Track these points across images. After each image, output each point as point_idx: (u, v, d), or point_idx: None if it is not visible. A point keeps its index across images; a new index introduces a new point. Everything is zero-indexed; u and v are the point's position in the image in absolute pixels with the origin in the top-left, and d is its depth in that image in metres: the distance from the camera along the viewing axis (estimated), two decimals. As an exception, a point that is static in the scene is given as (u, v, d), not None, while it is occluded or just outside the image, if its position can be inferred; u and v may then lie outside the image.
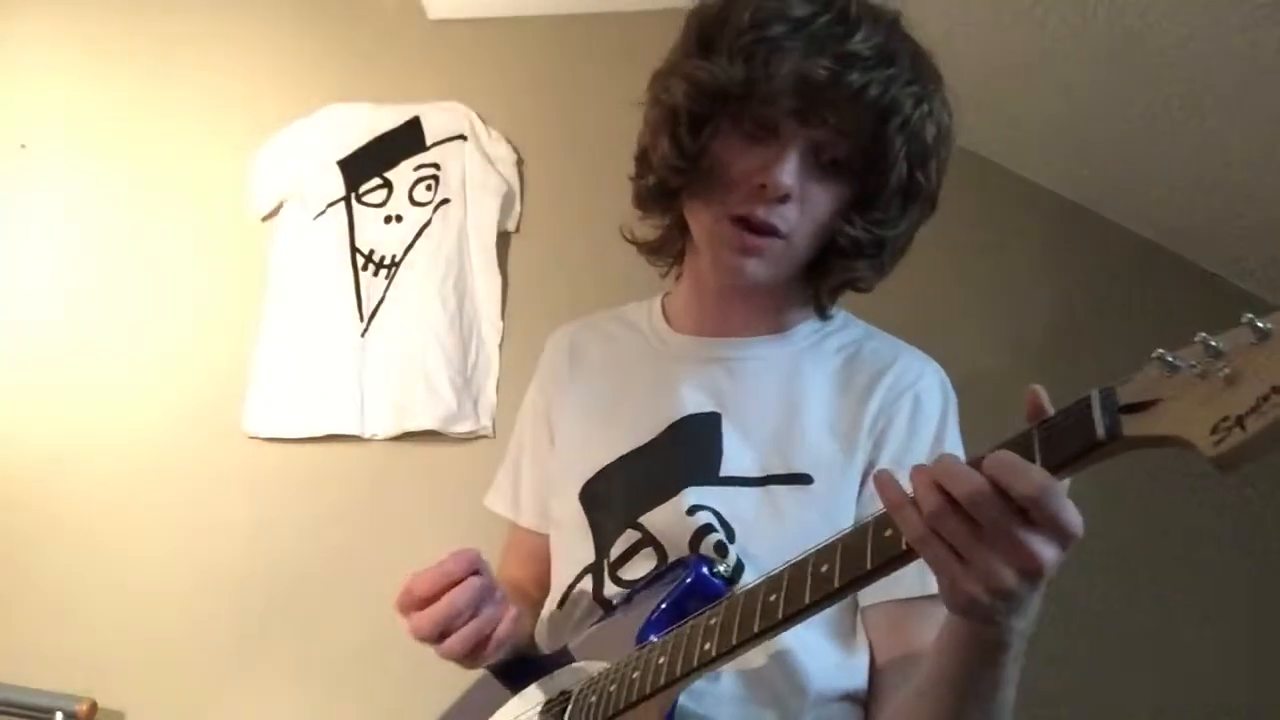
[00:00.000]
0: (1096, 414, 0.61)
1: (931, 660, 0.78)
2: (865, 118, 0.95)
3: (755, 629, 0.78)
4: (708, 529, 0.98)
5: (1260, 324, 0.55)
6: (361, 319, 2.23)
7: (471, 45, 2.39)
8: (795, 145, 0.97)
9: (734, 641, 0.80)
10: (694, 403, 1.07)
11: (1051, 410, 0.66)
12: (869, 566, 0.71)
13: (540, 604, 1.16)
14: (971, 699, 0.75)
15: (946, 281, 2.09)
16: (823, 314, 1.10)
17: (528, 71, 2.37)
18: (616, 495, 1.07)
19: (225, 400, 2.19)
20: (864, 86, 0.93)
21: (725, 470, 1.02)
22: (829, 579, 0.73)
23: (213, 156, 2.36)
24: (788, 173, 0.96)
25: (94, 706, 1.94)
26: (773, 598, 0.78)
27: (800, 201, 0.98)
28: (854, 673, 0.97)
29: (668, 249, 1.15)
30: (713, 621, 0.83)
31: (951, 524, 0.64)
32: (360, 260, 2.27)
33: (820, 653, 0.96)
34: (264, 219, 2.32)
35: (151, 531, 2.13)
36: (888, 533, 0.70)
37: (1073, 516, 0.62)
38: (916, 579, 0.91)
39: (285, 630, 2.07)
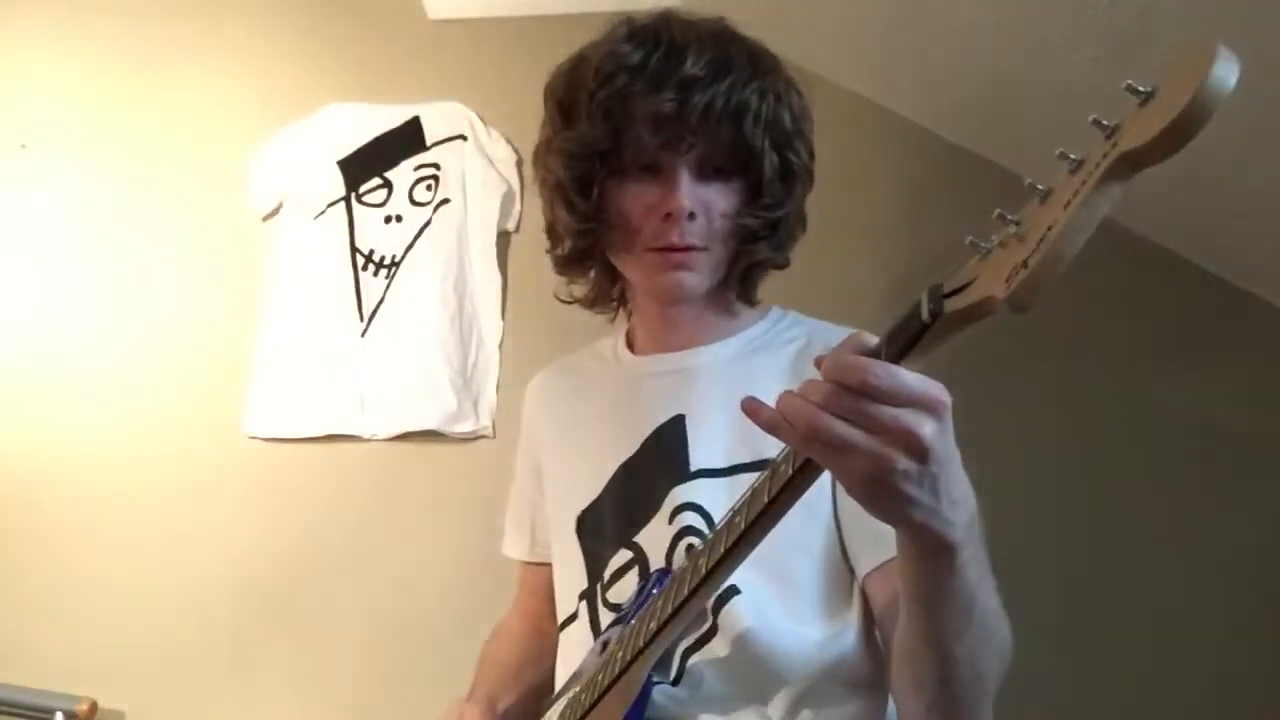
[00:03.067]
0: (924, 304, 0.67)
1: (901, 587, 0.80)
2: (723, 127, 1.05)
3: (687, 590, 0.84)
4: (685, 532, 1.02)
5: (1040, 186, 0.62)
6: (361, 319, 2.23)
7: (471, 45, 2.39)
8: (679, 170, 1.07)
9: (671, 609, 0.85)
10: (661, 412, 1.13)
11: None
12: (766, 499, 0.77)
13: (553, 635, 1.24)
14: (946, 610, 0.76)
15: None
16: (749, 300, 1.19)
17: (528, 71, 2.34)
18: (609, 519, 1.11)
19: (225, 400, 2.19)
20: (709, 103, 1.04)
21: (695, 464, 1.07)
22: (738, 525, 0.80)
23: (212, 156, 2.36)
24: (684, 195, 1.06)
25: (94, 706, 1.94)
26: (701, 561, 0.84)
27: (704, 213, 1.08)
28: (839, 654, 0.99)
29: (604, 297, 1.25)
30: (659, 603, 0.88)
31: (825, 425, 0.66)
32: (360, 260, 2.28)
33: (798, 635, 0.98)
34: (264, 219, 2.33)
35: (151, 531, 2.13)
36: (781, 468, 0.77)
37: (918, 384, 0.66)
38: None
39: (285, 630, 2.07)
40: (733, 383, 1.11)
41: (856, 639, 1.00)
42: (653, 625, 0.87)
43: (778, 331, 1.19)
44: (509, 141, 2.33)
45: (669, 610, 0.85)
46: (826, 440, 0.66)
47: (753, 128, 1.06)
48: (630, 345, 1.27)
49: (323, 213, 2.31)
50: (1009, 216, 0.63)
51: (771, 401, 1.05)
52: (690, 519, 1.04)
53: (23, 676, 1.96)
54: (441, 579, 2.07)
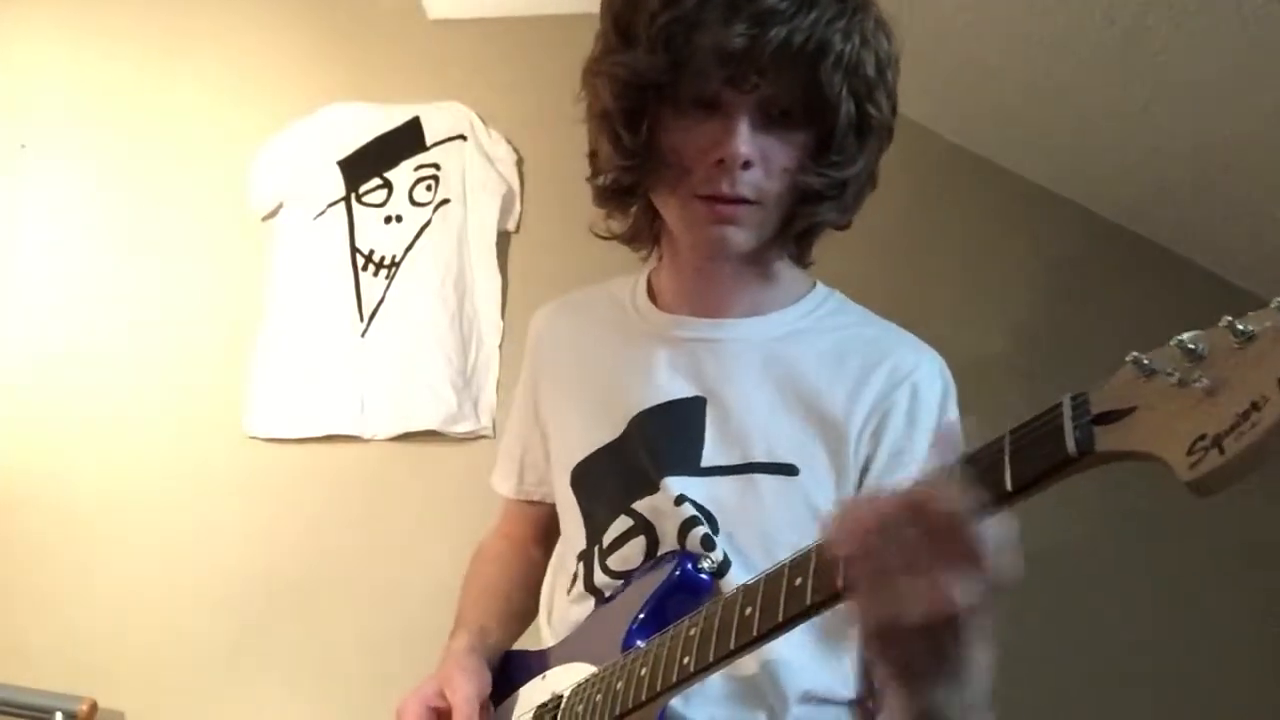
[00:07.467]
0: (1068, 426, 0.56)
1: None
2: (798, 68, 0.93)
3: (732, 645, 0.76)
4: (695, 520, 0.98)
5: (1241, 326, 0.50)
6: (361, 319, 2.23)
7: (471, 45, 2.40)
8: (741, 112, 0.95)
9: (711, 658, 0.78)
10: (678, 387, 1.05)
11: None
12: (839, 587, 0.68)
13: (540, 561, 1.21)
14: None
15: (941, 278, 2.09)
16: (802, 263, 1.08)
17: (528, 71, 2.37)
18: (608, 481, 1.06)
19: (225, 401, 2.19)
20: (786, 40, 0.90)
21: (707, 460, 1.01)
22: (800, 591, 0.71)
23: (213, 156, 2.36)
24: (742, 141, 0.94)
25: (94, 706, 1.94)
26: (748, 611, 0.75)
27: (762, 164, 0.96)
28: (840, 677, 0.97)
29: (642, 236, 1.13)
30: (692, 632, 0.81)
31: (872, 544, 0.61)
32: (360, 260, 2.28)
33: (806, 652, 0.96)
34: (264, 219, 2.33)
35: (152, 531, 2.14)
36: (798, 581, 0.67)
37: (988, 549, 0.58)
38: None
39: (285, 630, 2.07)
40: (765, 374, 1.03)
41: (855, 658, 0.99)
42: (688, 663, 0.80)
43: (819, 317, 1.08)
44: (509, 141, 2.33)
45: (709, 658, 0.78)
46: (878, 568, 0.60)
47: (831, 72, 0.92)
48: (652, 295, 1.15)
49: (323, 213, 2.31)
50: (1190, 345, 0.52)
51: (799, 397, 1.00)
52: (693, 510, 0.98)
53: (23, 676, 1.96)
54: (441, 578, 2.05)
